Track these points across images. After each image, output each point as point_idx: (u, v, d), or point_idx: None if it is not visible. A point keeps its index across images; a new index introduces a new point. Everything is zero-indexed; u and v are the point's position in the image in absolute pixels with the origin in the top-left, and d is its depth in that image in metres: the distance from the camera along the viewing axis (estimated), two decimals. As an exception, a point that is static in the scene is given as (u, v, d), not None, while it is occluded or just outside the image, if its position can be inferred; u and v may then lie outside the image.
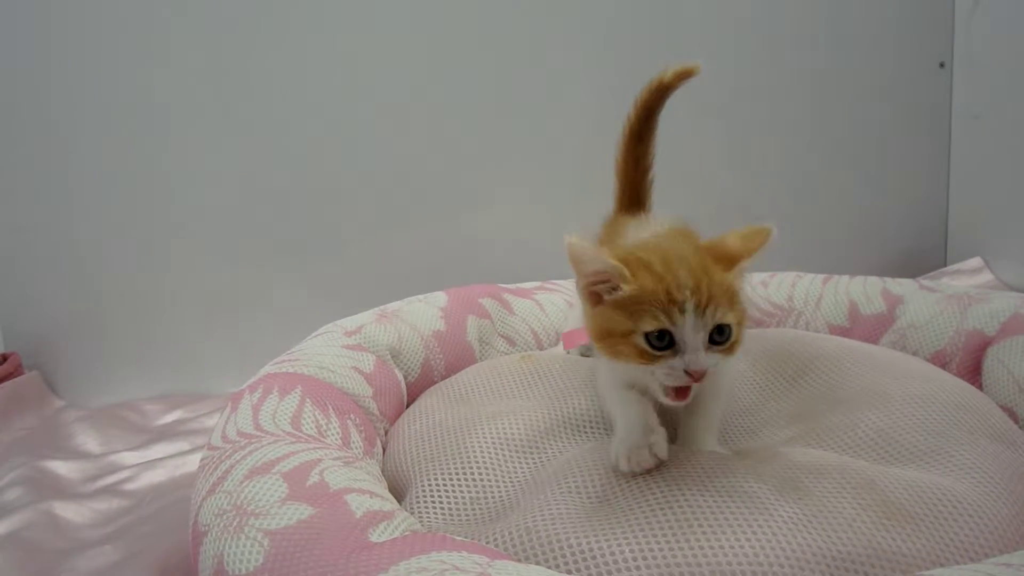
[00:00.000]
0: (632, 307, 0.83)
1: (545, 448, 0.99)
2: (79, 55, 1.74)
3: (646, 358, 0.83)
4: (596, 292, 0.86)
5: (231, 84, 1.78)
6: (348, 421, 1.05)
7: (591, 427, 1.03)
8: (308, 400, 1.03)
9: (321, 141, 1.83)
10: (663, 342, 0.82)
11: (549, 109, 1.86)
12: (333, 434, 1.00)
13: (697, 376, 0.81)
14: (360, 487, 0.83)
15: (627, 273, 0.83)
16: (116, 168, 1.78)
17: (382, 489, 0.89)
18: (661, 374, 0.83)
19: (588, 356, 1.26)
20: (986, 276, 1.84)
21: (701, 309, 0.81)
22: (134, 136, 1.78)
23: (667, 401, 0.85)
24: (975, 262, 1.88)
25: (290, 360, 1.13)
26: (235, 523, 0.76)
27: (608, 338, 0.85)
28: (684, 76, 1.20)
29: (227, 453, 0.89)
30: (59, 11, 1.72)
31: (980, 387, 1.16)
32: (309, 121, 1.82)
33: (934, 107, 1.98)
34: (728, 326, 0.83)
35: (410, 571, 0.67)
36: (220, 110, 1.79)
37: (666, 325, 0.81)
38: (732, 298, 0.84)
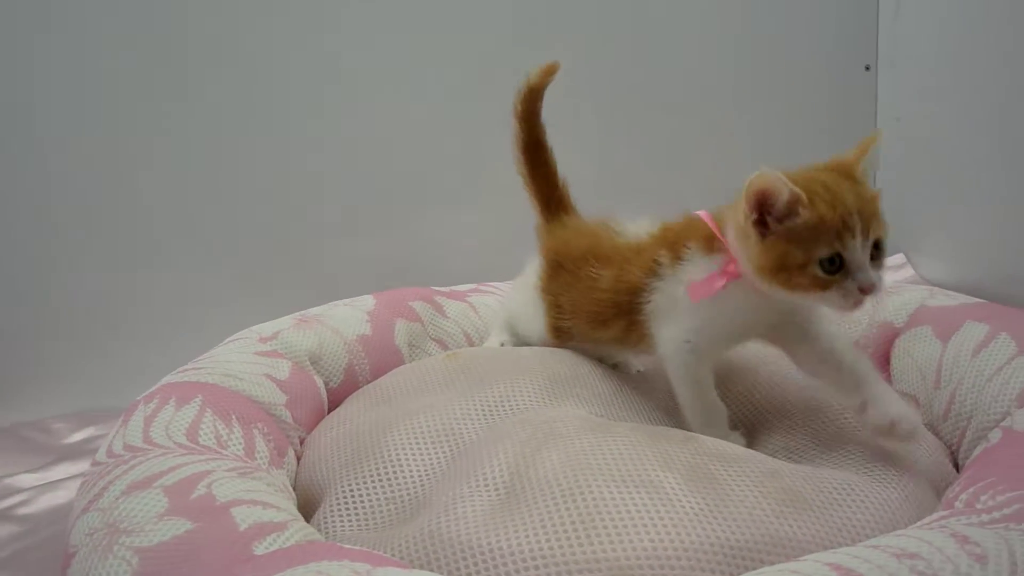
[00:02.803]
0: (806, 235, 0.87)
1: (460, 434, 0.99)
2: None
3: (821, 285, 0.87)
4: (765, 224, 0.90)
5: (148, 76, 1.72)
6: (254, 430, 1.01)
7: (507, 411, 1.03)
8: (209, 410, 0.99)
9: (250, 143, 1.78)
10: (835, 266, 0.87)
11: (483, 113, 1.83)
12: (235, 444, 0.96)
13: (870, 290, 0.87)
14: (253, 498, 0.80)
15: (806, 200, 0.86)
16: (14, 172, 1.70)
17: (281, 500, 0.85)
18: (836, 298, 0.88)
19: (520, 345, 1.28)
20: (908, 272, 1.90)
21: (865, 230, 0.87)
22: (30, 137, 1.69)
23: (846, 312, 0.90)
24: (898, 259, 1.93)
25: (194, 368, 1.09)
26: (104, 542, 0.72)
27: (784, 271, 0.89)
28: (549, 74, 1.23)
29: (108, 468, 0.85)
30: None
31: (889, 377, 1.20)
32: (236, 123, 1.77)
33: (861, 109, 2.01)
34: (882, 240, 0.90)
35: (284, 583, 0.64)
36: (149, 107, 1.73)
37: (839, 249, 0.86)
38: (880, 213, 0.90)
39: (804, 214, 0.86)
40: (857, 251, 0.86)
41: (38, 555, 1.15)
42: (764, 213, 0.89)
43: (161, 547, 0.70)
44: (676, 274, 1.00)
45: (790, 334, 1.00)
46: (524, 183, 1.29)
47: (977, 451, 0.93)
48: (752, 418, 1.09)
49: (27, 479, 1.41)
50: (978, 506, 0.74)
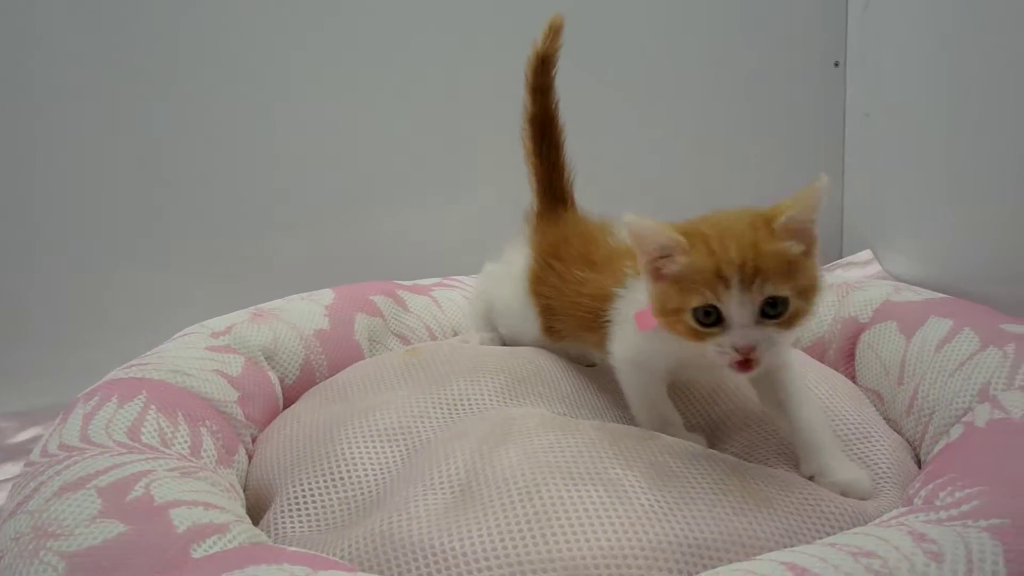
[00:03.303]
0: (684, 283, 0.82)
1: (417, 431, 0.98)
2: None
3: (695, 335, 0.82)
4: (657, 268, 0.85)
5: (102, 72, 1.67)
6: (202, 428, 0.97)
7: (465, 408, 1.03)
8: (153, 407, 0.95)
9: (207, 137, 1.72)
10: (710, 319, 0.81)
11: (447, 107, 1.81)
12: (180, 443, 0.93)
13: (744, 352, 0.80)
14: (194, 499, 0.77)
15: (686, 246, 0.82)
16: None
17: (225, 500, 0.82)
18: (712, 351, 0.82)
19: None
20: (875, 268, 1.88)
21: (747, 283, 0.79)
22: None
23: (733, 372, 0.84)
24: (865, 255, 1.92)
25: (140, 364, 1.06)
26: (30, 547, 0.69)
27: (665, 316, 0.85)
28: (556, 34, 1.16)
29: (41, 469, 0.82)
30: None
31: (853, 372, 1.21)
32: (193, 118, 1.71)
33: (829, 105, 2.00)
34: (782, 298, 0.81)
35: (214, 589, 0.61)
36: (103, 103, 1.67)
37: (711, 300, 0.80)
38: (787, 268, 0.81)
39: (680, 260, 0.82)
40: (732, 305, 0.80)
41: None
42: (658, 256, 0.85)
43: (91, 551, 0.68)
44: (634, 289, 0.97)
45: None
46: (526, 161, 1.23)
47: (938, 447, 0.92)
48: (715, 421, 1.07)
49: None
50: (937, 503, 0.73)
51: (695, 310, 0.81)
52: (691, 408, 1.08)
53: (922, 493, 0.77)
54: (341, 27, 1.74)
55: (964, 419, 0.92)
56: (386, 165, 1.80)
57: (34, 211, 1.67)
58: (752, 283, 0.79)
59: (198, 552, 0.68)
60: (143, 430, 0.91)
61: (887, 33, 1.82)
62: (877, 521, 0.74)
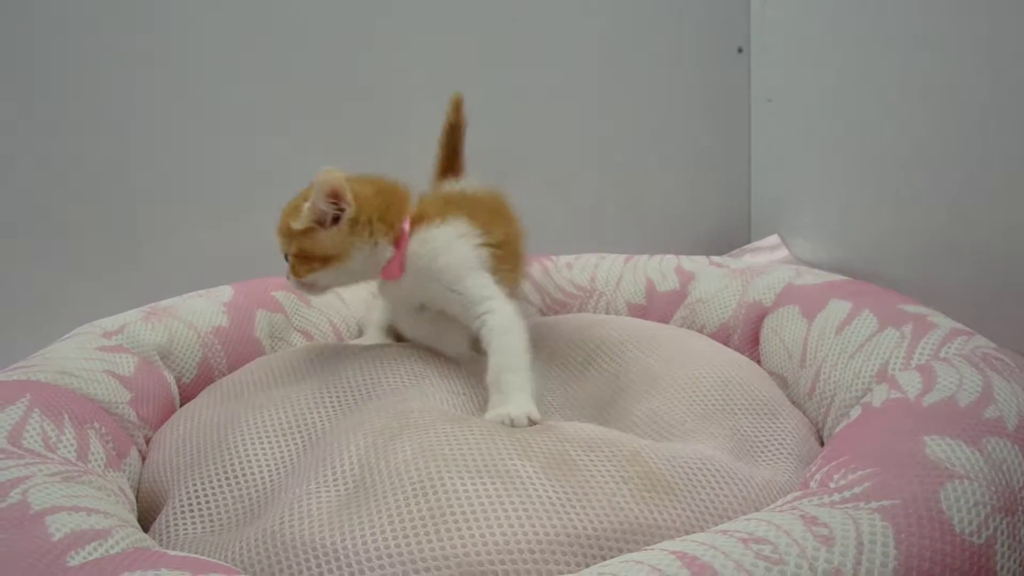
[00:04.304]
0: None
1: (312, 425, 0.97)
2: None
3: None
4: None
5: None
6: (89, 431, 0.94)
7: (358, 399, 1.01)
8: (37, 410, 0.92)
9: (100, 124, 1.66)
10: None
11: (346, 105, 1.79)
12: (66, 446, 0.89)
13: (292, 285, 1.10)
14: (75, 504, 0.74)
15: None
16: None
17: (110, 505, 0.79)
18: None
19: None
20: (782, 252, 1.91)
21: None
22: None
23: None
24: (773, 239, 1.95)
25: (25, 366, 1.02)
26: None
27: None
28: (458, 109, 1.30)
29: None
30: None
31: (758, 356, 1.23)
32: (81, 107, 1.64)
33: (734, 91, 2.02)
34: (285, 255, 1.08)
35: (86, 598, 0.58)
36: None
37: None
38: (287, 233, 1.06)
39: None
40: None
41: None
42: None
43: None
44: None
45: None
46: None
47: (838, 429, 0.92)
48: (620, 383, 1.10)
49: None
50: (831, 485, 0.73)
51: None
52: (597, 369, 1.12)
53: (817, 476, 0.77)
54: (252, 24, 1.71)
55: (863, 400, 0.93)
56: (287, 160, 1.77)
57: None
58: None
59: (75, 560, 0.66)
60: (25, 434, 0.88)
61: (790, 19, 1.84)
62: (772, 506, 0.73)
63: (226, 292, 1.35)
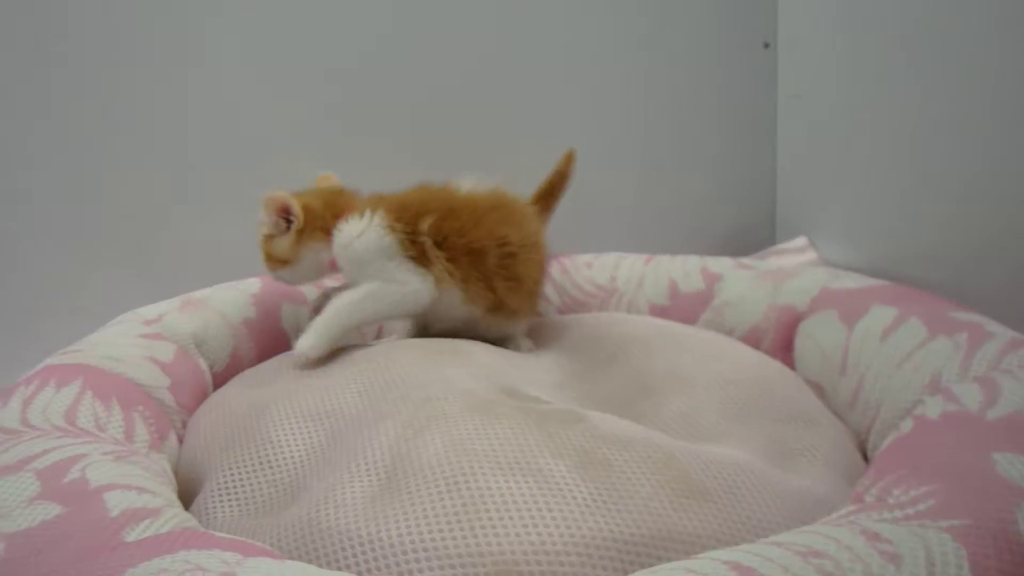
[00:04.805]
0: None
1: (340, 411, 0.97)
2: None
3: None
4: None
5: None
6: (134, 413, 0.99)
7: (386, 381, 1.01)
8: (89, 392, 0.97)
9: (132, 116, 1.69)
10: None
11: (370, 98, 1.79)
12: (115, 427, 0.95)
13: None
14: (127, 483, 0.79)
15: None
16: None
17: (157, 485, 0.83)
18: None
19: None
20: (810, 254, 1.85)
21: None
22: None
23: None
24: (800, 241, 1.89)
25: (76, 351, 1.07)
26: None
27: None
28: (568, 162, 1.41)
29: None
30: None
31: (792, 363, 1.19)
32: (123, 95, 1.68)
33: (760, 88, 1.97)
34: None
35: (149, 573, 0.63)
36: (38, 83, 1.64)
37: None
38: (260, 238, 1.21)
39: None
40: None
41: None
42: None
43: (29, 532, 0.69)
44: None
45: None
46: None
47: (888, 441, 0.89)
48: (647, 381, 1.08)
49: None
50: (890, 500, 0.70)
51: None
52: (617, 373, 1.11)
53: (873, 491, 0.74)
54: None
55: (914, 412, 0.89)
56: (313, 154, 1.77)
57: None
58: None
59: (131, 536, 0.69)
60: (79, 414, 0.93)
61: (819, 11, 1.79)
62: (825, 520, 0.71)
63: (254, 284, 1.39)
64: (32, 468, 0.78)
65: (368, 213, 1.17)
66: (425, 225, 1.16)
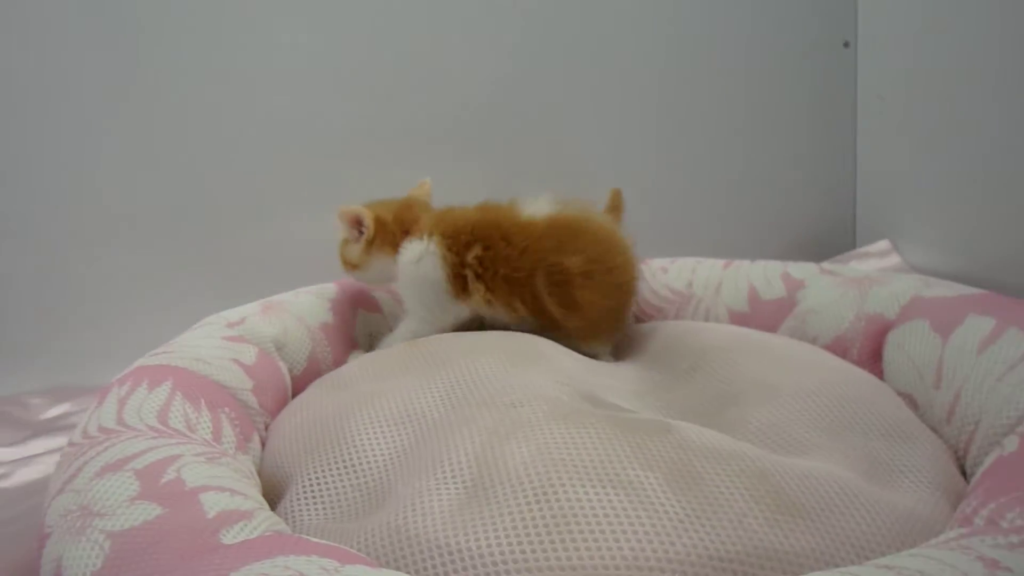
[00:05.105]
0: None
1: (423, 415, 0.97)
2: None
3: None
4: None
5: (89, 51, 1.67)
6: (221, 415, 1.01)
7: (468, 386, 1.01)
8: (179, 393, 0.99)
9: (220, 115, 1.73)
10: None
11: (429, 103, 1.81)
12: (204, 428, 0.97)
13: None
14: (220, 485, 0.80)
15: None
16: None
17: (247, 487, 0.85)
18: None
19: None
20: (894, 259, 1.80)
21: None
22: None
23: None
24: (883, 245, 1.84)
25: (164, 352, 1.09)
26: (78, 524, 0.72)
27: None
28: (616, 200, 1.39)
29: (83, 450, 0.85)
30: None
31: (881, 373, 1.14)
32: (204, 100, 1.72)
33: (839, 88, 1.94)
34: None
35: (250, 577, 0.63)
36: (104, 85, 1.67)
37: None
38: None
39: None
40: None
41: (13, 529, 1.13)
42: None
43: (131, 532, 0.70)
44: None
45: None
46: None
47: (990, 459, 0.85)
48: (732, 391, 1.05)
49: (5, 453, 1.42)
50: (1004, 525, 0.67)
51: None
52: (700, 383, 1.10)
53: (982, 513, 0.71)
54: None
55: (1018, 429, 0.84)
56: (395, 160, 1.79)
57: (54, 194, 1.70)
58: None
59: (227, 538, 0.70)
60: (171, 415, 0.95)
61: (901, 9, 1.76)
62: (934, 542, 0.67)
63: (331, 289, 1.41)
64: (131, 468, 0.79)
65: (426, 237, 1.24)
66: (471, 256, 1.22)
